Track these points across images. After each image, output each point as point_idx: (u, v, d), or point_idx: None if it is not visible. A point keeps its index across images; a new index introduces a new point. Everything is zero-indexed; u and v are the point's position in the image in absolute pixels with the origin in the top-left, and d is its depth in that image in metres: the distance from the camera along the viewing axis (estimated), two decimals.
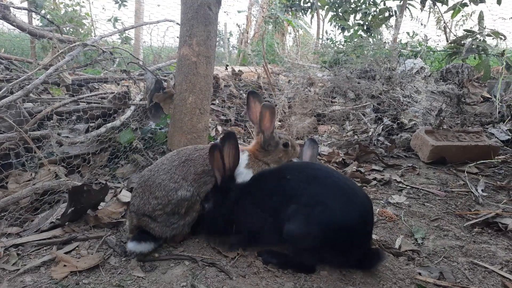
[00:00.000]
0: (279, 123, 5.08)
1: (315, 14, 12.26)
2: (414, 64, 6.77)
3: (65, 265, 1.87)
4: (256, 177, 2.16)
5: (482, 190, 3.11)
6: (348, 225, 1.78)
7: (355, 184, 2.02)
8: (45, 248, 2.09)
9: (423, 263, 2.07)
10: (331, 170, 2.06)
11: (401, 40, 9.99)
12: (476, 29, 7.48)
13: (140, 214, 2.01)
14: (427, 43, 8.22)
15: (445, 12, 9.52)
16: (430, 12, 10.52)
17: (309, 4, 11.98)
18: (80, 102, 4.02)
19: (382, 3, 10.44)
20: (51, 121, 3.62)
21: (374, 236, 2.32)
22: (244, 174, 2.19)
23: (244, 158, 2.24)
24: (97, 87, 5.06)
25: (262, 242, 2.06)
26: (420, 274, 1.94)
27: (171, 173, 2.05)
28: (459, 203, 2.91)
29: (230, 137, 2.01)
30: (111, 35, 5.00)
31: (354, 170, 3.53)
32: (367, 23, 10.63)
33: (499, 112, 5.08)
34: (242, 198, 2.07)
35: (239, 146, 2.11)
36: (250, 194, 2.06)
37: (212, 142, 2.02)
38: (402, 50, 7.73)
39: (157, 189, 2.01)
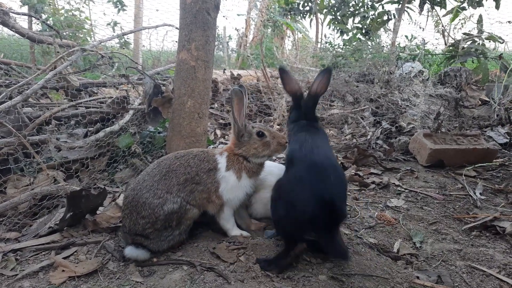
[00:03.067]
0: (278, 126, 5.09)
1: (314, 18, 12.31)
2: (413, 67, 6.79)
3: (63, 270, 1.87)
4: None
5: (480, 193, 3.11)
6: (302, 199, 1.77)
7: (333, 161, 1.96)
8: (43, 253, 2.09)
9: (421, 266, 2.07)
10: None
11: (399, 43, 10.03)
12: (474, 32, 7.52)
13: (132, 234, 2.02)
14: (425, 46, 8.24)
15: (443, 16, 9.58)
16: (428, 15, 10.57)
17: (308, 8, 12.03)
18: (79, 106, 4.03)
19: (380, 6, 10.49)
20: (50, 126, 3.63)
21: (372, 240, 2.32)
22: (226, 177, 2.18)
23: (222, 161, 2.21)
24: (96, 92, 5.07)
25: None
26: (418, 278, 1.94)
27: (154, 189, 2.03)
28: (457, 206, 2.91)
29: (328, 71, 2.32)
30: (110, 40, 5.01)
31: (353, 173, 3.53)
32: (365, 26, 10.68)
33: (497, 115, 5.09)
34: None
35: (221, 147, 2.13)
36: None
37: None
38: (400, 54, 7.75)
39: (143, 208, 1.99)
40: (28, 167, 2.98)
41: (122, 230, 2.10)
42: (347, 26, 11.04)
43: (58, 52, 3.63)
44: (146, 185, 2.05)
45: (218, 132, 4.78)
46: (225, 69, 7.38)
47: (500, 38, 7.24)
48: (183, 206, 2.06)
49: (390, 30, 10.69)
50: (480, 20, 7.75)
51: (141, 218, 1.99)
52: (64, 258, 2.01)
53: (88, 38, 9.08)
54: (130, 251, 1.97)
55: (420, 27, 10.03)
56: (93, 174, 3.19)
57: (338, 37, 11.54)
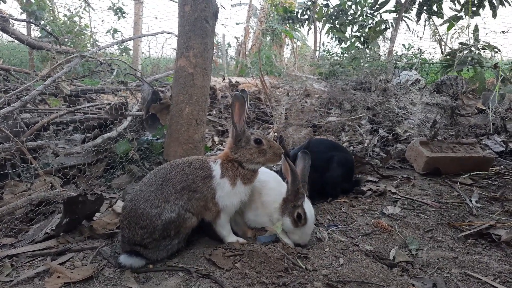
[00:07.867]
0: (275, 134, 5.11)
1: (312, 26, 12.39)
2: (409, 76, 6.84)
3: (59, 276, 1.86)
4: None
5: (476, 201, 3.13)
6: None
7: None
8: (39, 259, 2.09)
9: (417, 274, 2.08)
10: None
11: (396, 52, 10.10)
12: (470, 41, 7.59)
13: (132, 244, 2.03)
14: (422, 55, 8.31)
15: (440, 25, 9.67)
16: (425, 25, 10.67)
17: (306, 17, 12.13)
18: (77, 112, 4.05)
19: (378, 15, 10.58)
20: (48, 131, 3.64)
21: (368, 247, 2.33)
22: (221, 184, 2.17)
23: (217, 168, 2.20)
24: (94, 98, 5.09)
25: None
26: (413, 285, 1.94)
27: (151, 199, 2.04)
28: (453, 214, 2.92)
29: None
30: (109, 47, 5.05)
31: None
32: (363, 35, 10.76)
33: (493, 124, 5.13)
34: None
35: (215, 154, 2.12)
36: None
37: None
38: (397, 62, 7.81)
39: (141, 218, 2.00)
40: (25, 172, 2.98)
41: (122, 240, 2.11)
42: (345, 34, 11.13)
43: (53, 58, 3.64)
44: (143, 195, 2.06)
45: (216, 138, 4.79)
46: (224, 77, 7.42)
47: (495, 48, 7.31)
48: (181, 214, 2.06)
49: (387, 39, 10.78)
50: (476, 30, 7.83)
51: (139, 228, 2.00)
52: (60, 264, 2.01)
53: (88, 45, 9.11)
54: (125, 259, 1.98)
55: (417, 36, 10.13)
56: (90, 180, 3.19)
57: (336, 45, 11.64)
